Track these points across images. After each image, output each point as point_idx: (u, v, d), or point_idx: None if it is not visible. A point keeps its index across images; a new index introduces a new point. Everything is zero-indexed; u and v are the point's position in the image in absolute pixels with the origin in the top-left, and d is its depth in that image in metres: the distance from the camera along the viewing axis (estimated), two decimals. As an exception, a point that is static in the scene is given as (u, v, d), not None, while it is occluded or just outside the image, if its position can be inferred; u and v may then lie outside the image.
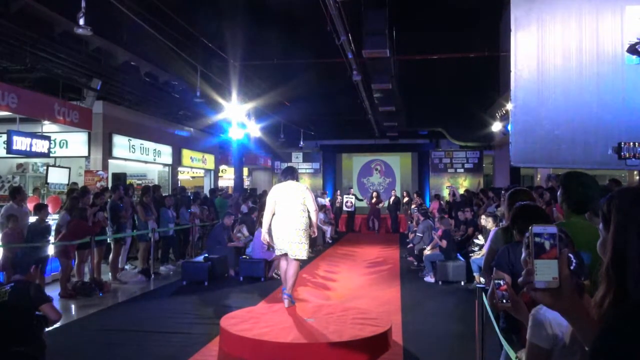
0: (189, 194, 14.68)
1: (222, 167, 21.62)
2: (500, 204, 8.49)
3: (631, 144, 5.97)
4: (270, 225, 6.38)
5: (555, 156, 6.60)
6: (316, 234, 6.73)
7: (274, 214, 6.40)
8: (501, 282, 2.21)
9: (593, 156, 6.46)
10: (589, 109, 6.53)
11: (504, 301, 2.20)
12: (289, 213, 6.28)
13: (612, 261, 1.24)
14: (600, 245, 1.33)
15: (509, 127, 7.02)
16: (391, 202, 19.28)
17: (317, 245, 14.11)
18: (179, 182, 17.47)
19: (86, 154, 13.06)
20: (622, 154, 5.90)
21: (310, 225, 6.42)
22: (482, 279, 6.68)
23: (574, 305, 1.30)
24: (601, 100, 6.51)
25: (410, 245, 11.99)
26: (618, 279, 1.22)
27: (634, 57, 6.49)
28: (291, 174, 6.65)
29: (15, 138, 10.29)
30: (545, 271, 1.28)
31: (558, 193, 3.12)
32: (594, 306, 1.28)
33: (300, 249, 6.27)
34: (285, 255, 6.35)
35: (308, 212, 6.39)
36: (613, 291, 1.22)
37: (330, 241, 15.41)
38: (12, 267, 4.04)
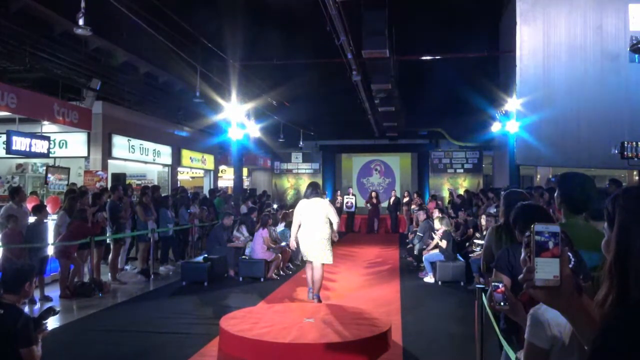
0: (189, 194, 14.68)
1: (222, 167, 21.63)
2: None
3: (634, 143, 5.97)
4: (297, 235, 7.57)
5: (559, 154, 6.61)
6: (337, 238, 7.82)
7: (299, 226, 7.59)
8: (499, 285, 2.20)
9: (597, 155, 6.47)
10: (593, 108, 6.53)
11: (502, 304, 2.19)
12: (314, 226, 7.40)
13: (614, 259, 1.24)
14: (604, 244, 1.33)
15: (513, 125, 7.03)
16: (391, 203, 19.28)
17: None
18: (179, 182, 17.47)
19: (86, 154, 13.06)
20: (625, 153, 5.90)
21: (332, 231, 7.58)
22: (481, 279, 6.69)
23: (575, 304, 1.30)
24: (605, 99, 6.52)
25: (410, 245, 11.98)
26: (620, 278, 1.22)
27: (637, 56, 6.50)
28: (315, 191, 7.70)
29: (14, 138, 10.29)
30: (546, 269, 1.28)
31: (555, 194, 3.11)
32: (596, 305, 1.28)
33: (327, 255, 7.45)
34: (311, 262, 7.48)
35: (330, 222, 7.52)
36: (615, 290, 1.22)
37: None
38: (3, 286, 3.62)
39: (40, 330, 3.53)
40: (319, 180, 23.90)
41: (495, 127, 17.04)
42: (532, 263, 1.30)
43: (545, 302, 1.34)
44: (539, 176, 16.41)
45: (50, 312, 3.68)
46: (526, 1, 6.69)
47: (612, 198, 1.31)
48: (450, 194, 17.72)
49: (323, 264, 7.48)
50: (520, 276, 1.35)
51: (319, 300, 7.47)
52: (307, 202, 7.61)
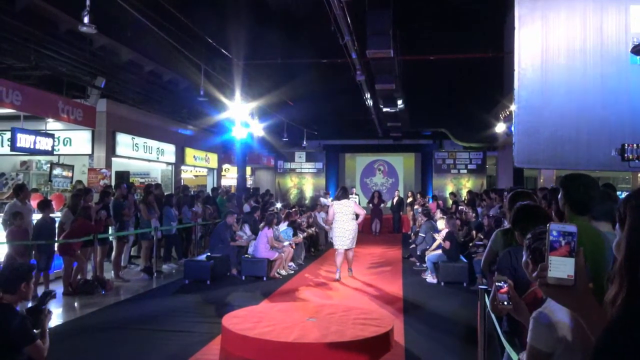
0: (192, 192, 14.70)
1: (225, 166, 21.64)
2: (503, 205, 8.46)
3: (635, 145, 5.93)
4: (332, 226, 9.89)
5: (558, 157, 6.58)
6: (359, 222, 9.96)
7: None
8: (502, 285, 2.20)
9: (596, 157, 6.44)
10: (593, 110, 6.50)
11: (505, 303, 2.19)
12: (345, 222, 9.63)
13: (625, 259, 1.24)
14: (615, 245, 1.33)
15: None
16: (394, 203, 19.26)
17: (320, 245, 14.11)
18: (182, 180, 17.49)
19: (90, 152, 13.08)
20: (626, 155, 5.86)
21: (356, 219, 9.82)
22: (484, 280, 6.68)
23: (588, 303, 1.31)
24: (605, 101, 6.49)
25: (413, 245, 11.98)
26: (630, 277, 1.22)
27: (638, 57, 6.46)
28: (345, 194, 9.95)
29: (19, 135, 10.32)
30: (560, 268, 1.29)
31: (559, 195, 3.09)
32: (607, 304, 1.29)
33: (353, 242, 9.73)
34: (343, 250, 9.67)
35: (356, 216, 9.81)
36: (626, 289, 1.23)
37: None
38: (0, 285, 3.58)
39: (43, 315, 3.52)
40: (322, 180, 23.95)
41: (499, 128, 17.02)
42: (545, 261, 1.31)
43: (558, 300, 1.34)
44: (542, 178, 16.37)
45: (48, 296, 3.65)
46: (525, 5, 6.67)
47: (624, 199, 1.32)
48: (453, 194, 17.77)
49: (353, 248, 9.81)
50: (535, 273, 1.35)
51: (352, 273, 9.91)
52: (339, 203, 9.74)
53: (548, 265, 1.30)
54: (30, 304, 3.84)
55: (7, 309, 3.35)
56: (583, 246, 1.35)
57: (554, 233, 1.32)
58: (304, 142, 21.81)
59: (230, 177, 22.06)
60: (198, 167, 18.97)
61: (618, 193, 5.68)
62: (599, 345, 1.15)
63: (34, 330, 3.42)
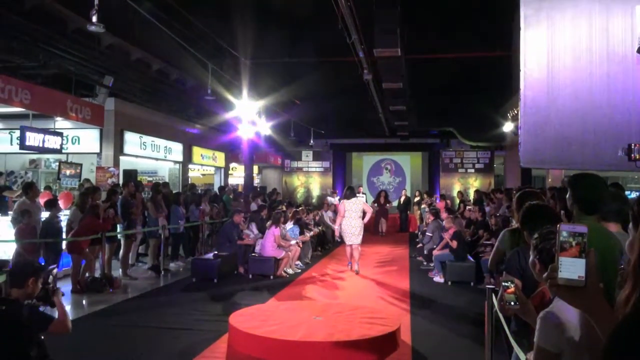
0: (199, 191, 14.74)
1: (233, 164, 21.68)
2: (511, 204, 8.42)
3: (641, 145, 5.88)
4: (341, 225, 10.25)
5: (564, 157, 6.56)
6: (366, 221, 10.38)
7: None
8: (509, 285, 2.19)
9: (603, 157, 6.41)
10: (599, 110, 6.48)
11: (512, 304, 2.18)
12: (354, 219, 10.11)
13: (639, 259, 1.24)
14: (628, 245, 1.33)
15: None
16: (401, 202, 19.22)
17: (327, 244, 14.10)
18: (190, 179, 17.54)
19: (98, 151, 13.15)
20: (633, 155, 5.81)
21: (364, 219, 10.25)
22: (491, 280, 6.67)
23: (599, 305, 1.30)
24: (611, 101, 6.46)
25: (420, 245, 11.95)
26: None
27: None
28: (353, 193, 10.54)
29: (28, 134, 10.38)
30: (570, 269, 1.28)
31: (567, 195, 3.06)
32: (619, 305, 1.28)
33: (359, 238, 10.19)
34: (351, 245, 10.24)
35: (364, 214, 10.25)
36: (639, 289, 1.22)
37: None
38: (9, 280, 3.63)
39: (50, 293, 3.53)
40: (330, 179, 23.95)
41: (507, 127, 16.94)
42: (556, 261, 1.30)
43: (569, 301, 1.34)
44: (550, 177, 16.28)
45: (49, 274, 3.67)
46: (530, 6, 6.65)
47: (637, 199, 1.31)
48: (460, 193, 17.71)
49: (359, 244, 10.24)
50: (544, 274, 1.35)
51: (358, 272, 10.14)
52: (348, 201, 10.19)
53: (558, 266, 1.29)
54: None
55: (14, 305, 3.37)
56: (593, 246, 1.35)
57: (564, 233, 1.31)
58: (311, 141, 21.79)
59: (237, 176, 22.10)
60: (205, 165, 19.02)
61: (627, 193, 5.64)
62: (611, 344, 1.14)
63: (49, 308, 3.48)
